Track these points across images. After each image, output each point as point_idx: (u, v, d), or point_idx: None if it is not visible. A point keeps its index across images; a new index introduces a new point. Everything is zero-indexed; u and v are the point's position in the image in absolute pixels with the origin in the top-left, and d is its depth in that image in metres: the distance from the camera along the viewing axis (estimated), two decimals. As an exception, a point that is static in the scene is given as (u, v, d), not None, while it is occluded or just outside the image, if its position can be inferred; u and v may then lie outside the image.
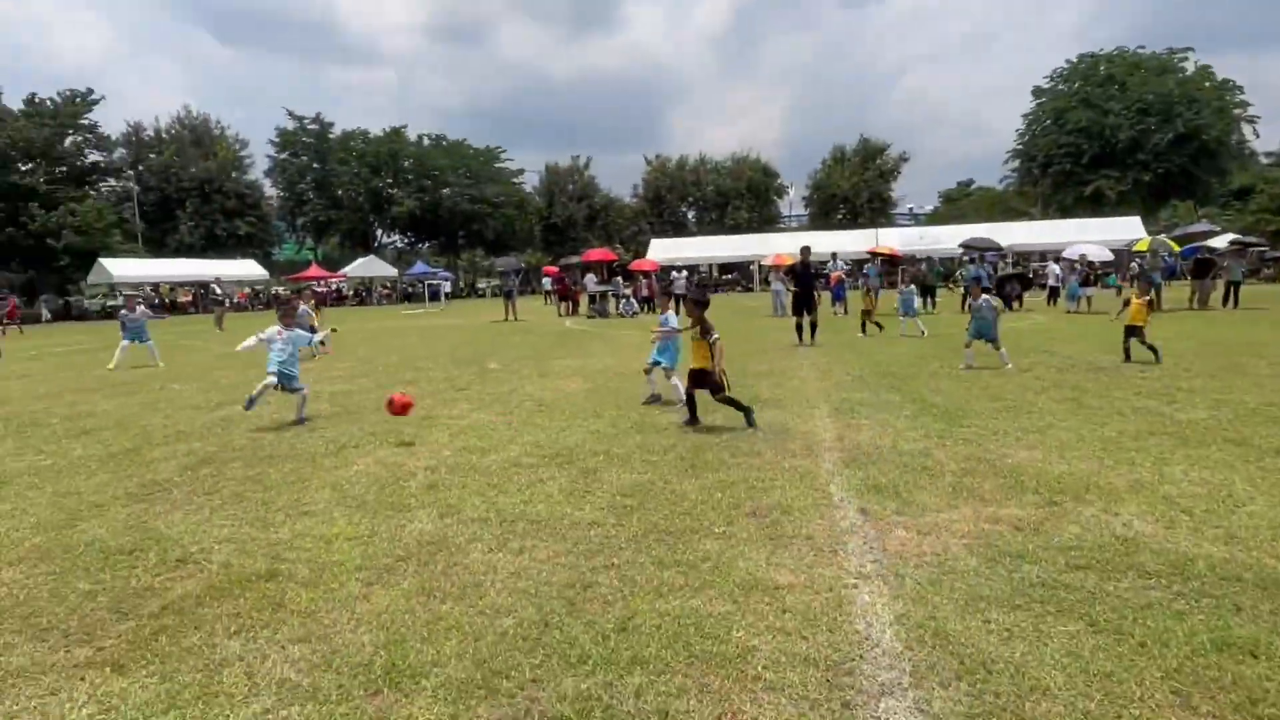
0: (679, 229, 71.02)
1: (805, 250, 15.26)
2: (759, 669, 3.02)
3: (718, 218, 72.94)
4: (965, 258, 31.17)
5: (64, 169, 48.44)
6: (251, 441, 7.58)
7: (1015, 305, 23.88)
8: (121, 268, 44.95)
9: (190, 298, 50.76)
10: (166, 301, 49.67)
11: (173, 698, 2.93)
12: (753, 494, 5.26)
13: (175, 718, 2.80)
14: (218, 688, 2.99)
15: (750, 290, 51.30)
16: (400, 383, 11.48)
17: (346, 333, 23.17)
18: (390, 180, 63.98)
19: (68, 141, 48.65)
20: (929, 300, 24.49)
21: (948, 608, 3.47)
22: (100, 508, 5.48)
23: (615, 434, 7.33)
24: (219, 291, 30.42)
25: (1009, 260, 36.54)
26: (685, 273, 28.59)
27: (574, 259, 55.88)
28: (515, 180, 68.58)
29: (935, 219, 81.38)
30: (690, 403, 7.65)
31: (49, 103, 47.47)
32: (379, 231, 68.68)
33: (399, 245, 73.81)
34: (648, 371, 9.06)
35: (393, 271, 59.85)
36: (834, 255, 28.71)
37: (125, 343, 15.68)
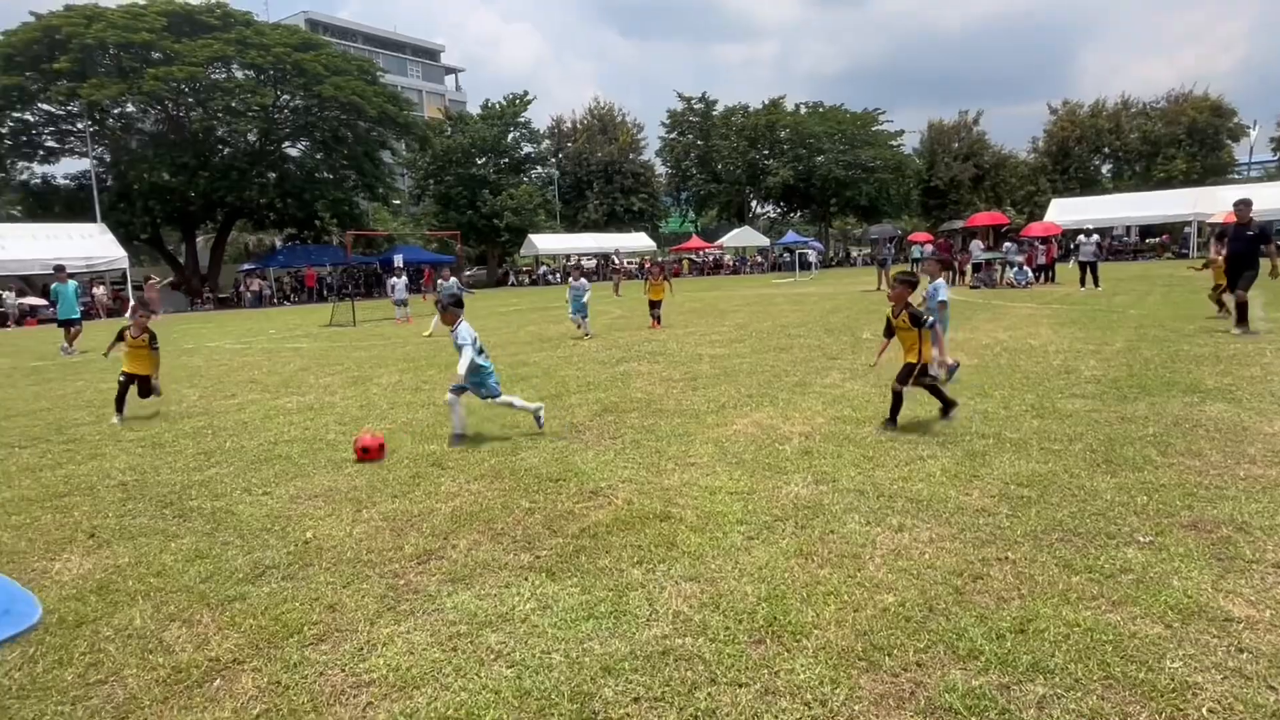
0: (1087, 186, 61.22)
1: (1243, 205, 11.60)
2: (1202, 711, 2.51)
3: (1141, 171, 61.20)
4: None
5: (505, 160, 59.01)
6: (645, 395, 8.47)
7: None
8: (544, 242, 53.59)
9: (594, 266, 58.48)
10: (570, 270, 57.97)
11: (591, 608, 3.42)
12: (1192, 503, 4.37)
13: (593, 625, 3.27)
14: (625, 607, 3.42)
15: (1184, 256, 42.25)
16: (774, 349, 11.84)
17: (720, 299, 24.57)
18: (766, 151, 65.67)
19: (509, 137, 59.00)
20: None
21: None
22: (535, 441, 6.60)
23: (1007, 416, 6.65)
24: (616, 261, 34.50)
25: None
26: (1095, 236, 24.53)
27: (956, 224, 51.69)
28: (893, 143, 65.36)
29: None
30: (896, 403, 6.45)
31: (496, 106, 57.98)
32: (753, 202, 71.18)
33: (771, 215, 75.68)
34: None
35: (764, 241, 61.70)
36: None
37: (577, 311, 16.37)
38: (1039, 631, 3.02)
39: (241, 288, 43.71)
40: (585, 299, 15.15)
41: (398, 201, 58.39)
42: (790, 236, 57.35)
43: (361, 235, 38.25)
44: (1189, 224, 43.43)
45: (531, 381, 9.83)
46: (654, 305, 16.50)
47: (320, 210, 46.39)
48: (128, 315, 8.95)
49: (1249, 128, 59.73)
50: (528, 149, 61.64)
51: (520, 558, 4.06)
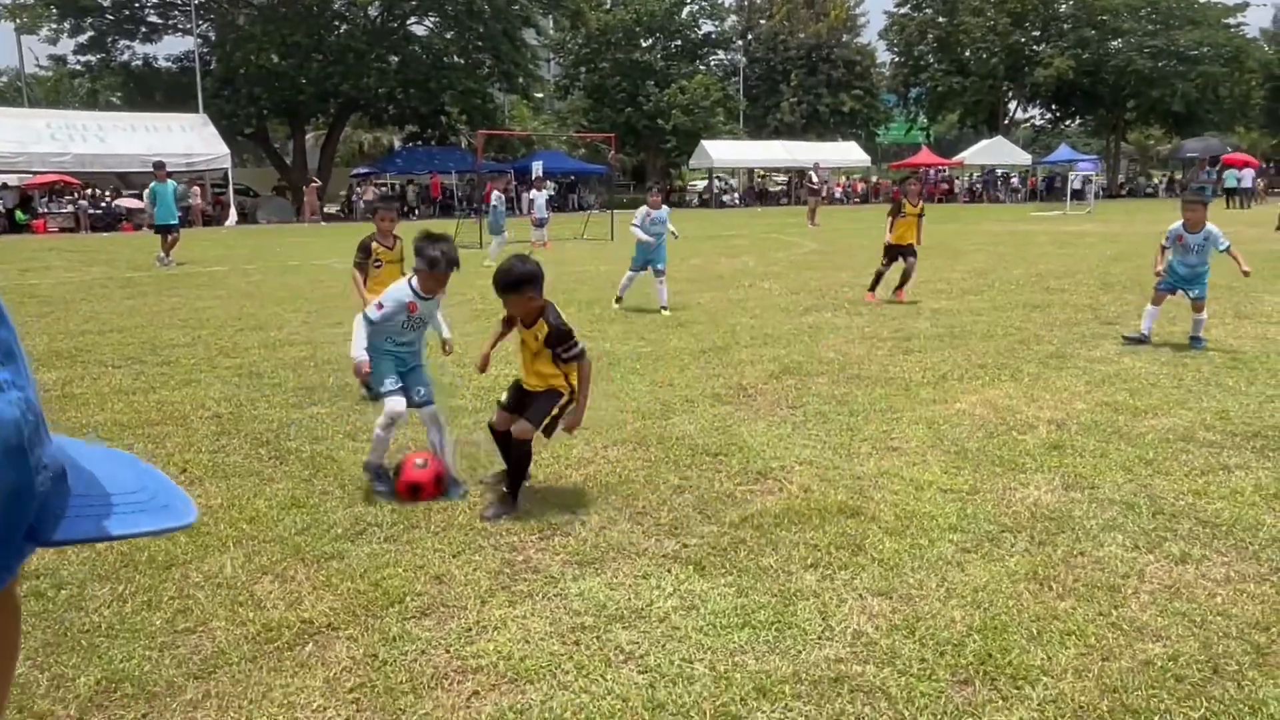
0: None
1: None
2: None
3: None
4: None
5: (678, 42, 59.13)
6: (839, 356, 8.39)
7: None
8: (721, 151, 53.37)
9: (784, 185, 57.73)
10: (757, 190, 57.44)
11: (748, 615, 3.51)
12: None
13: (749, 636, 3.36)
14: (791, 619, 3.48)
15: None
16: (1025, 305, 11.27)
17: (955, 235, 23.55)
18: (1037, 33, 61.39)
19: (684, 12, 58.94)
20: None
21: None
22: (690, 403, 6.75)
23: None
24: (815, 180, 33.71)
25: None
26: None
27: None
28: (1231, 21, 58.96)
29: None
30: None
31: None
32: (1012, 104, 67.04)
33: (1036, 123, 71.03)
34: None
35: (1025, 158, 58.13)
36: None
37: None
38: (1378, 719, 2.78)
39: (355, 196, 46.96)
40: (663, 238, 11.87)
41: (540, 94, 60.12)
42: (1062, 152, 53.61)
43: (495, 135, 39.88)
44: None
45: (693, 329, 9.98)
46: (898, 254, 12.04)
47: (448, 104, 48.65)
48: (377, 219, 7.69)
49: None
50: (708, 27, 61.35)
51: (664, 544, 4.21)
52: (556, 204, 47.05)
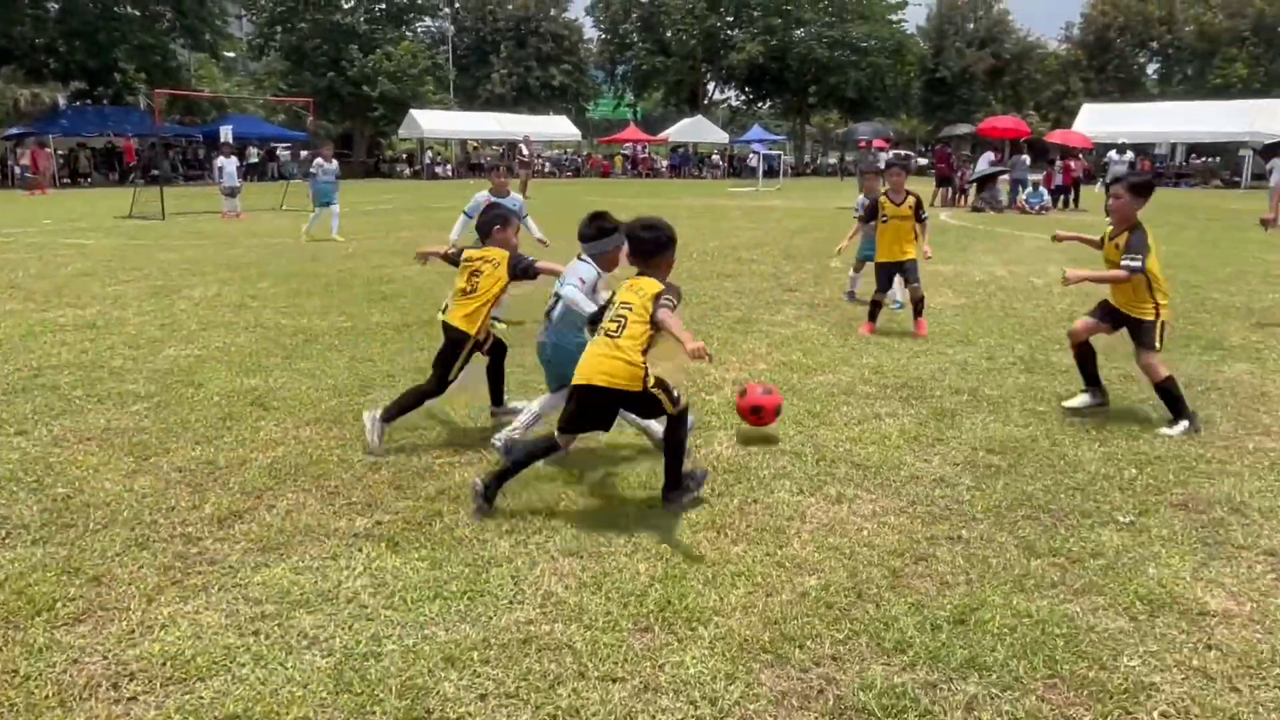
0: (1128, 89, 63.06)
1: None
2: (1154, 715, 2.76)
3: (1195, 74, 63.24)
4: None
5: (382, 6, 56.85)
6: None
7: None
8: (432, 121, 52.07)
9: (499, 156, 57.49)
10: (471, 162, 56.79)
11: (440, 586, 3.50)
12: (1187, 478, 4.71)
13: (440, 607, 3.34)
14: (484, 585, 3.50)
15: (1235, 186, 44.25)
16: (718, 275, 11.97)
17: (658, 209, 24.54)
18: (731, 18, 65.05)
19: (387, -27, 56.83)
20: None
21: None
22: (391, 378, 6.58)
23: (990, 369, 6.96)
24: (526, 152, 33.80)
25: None
26: (1129, 154, 25.38)
27: (962, 128, 52.60)
28: (894, 18, 65.56)
29: None
30: None
31: (371, -72, 55.63)
32: (710, 85, 70.71)
33: (733, 104, 75.33)
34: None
35: (723, 137, 61.60)
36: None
37: (320, 209, 16.48)
38: (982, 623, 3.24)
39: (10, 161, 41.18)
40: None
41: (232, 54, 55.67)
42: (755, 132, 57.40)
43: (178, 96, 36.47)
44: (1245, 145, 45.29)
45: (397, 302, 9.72)
46: (893, 274, 8.51)
47: (122, 59, 43.85)
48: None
49: (1326, 27, 62.19)
50: (413, -8, 59.45)
51: (355, 523, 4.09)
52: (256, 172, 44.00)
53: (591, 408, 4.16)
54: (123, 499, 4.31)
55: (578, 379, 4.12)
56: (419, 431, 5.35)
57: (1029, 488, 4.56)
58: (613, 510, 4.24)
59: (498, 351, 5.54)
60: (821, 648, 3.09)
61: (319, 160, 17.19)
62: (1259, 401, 6.14)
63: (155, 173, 28.62)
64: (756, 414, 5.15)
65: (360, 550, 3.82)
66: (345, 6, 54.13)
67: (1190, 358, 7.35)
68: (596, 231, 4.78)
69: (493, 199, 8.76)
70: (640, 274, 4.30)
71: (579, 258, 4.82)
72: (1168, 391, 5.50)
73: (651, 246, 4.34)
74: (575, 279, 4.67)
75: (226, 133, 26.74)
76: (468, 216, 8.56)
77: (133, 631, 3.16)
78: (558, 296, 4.75)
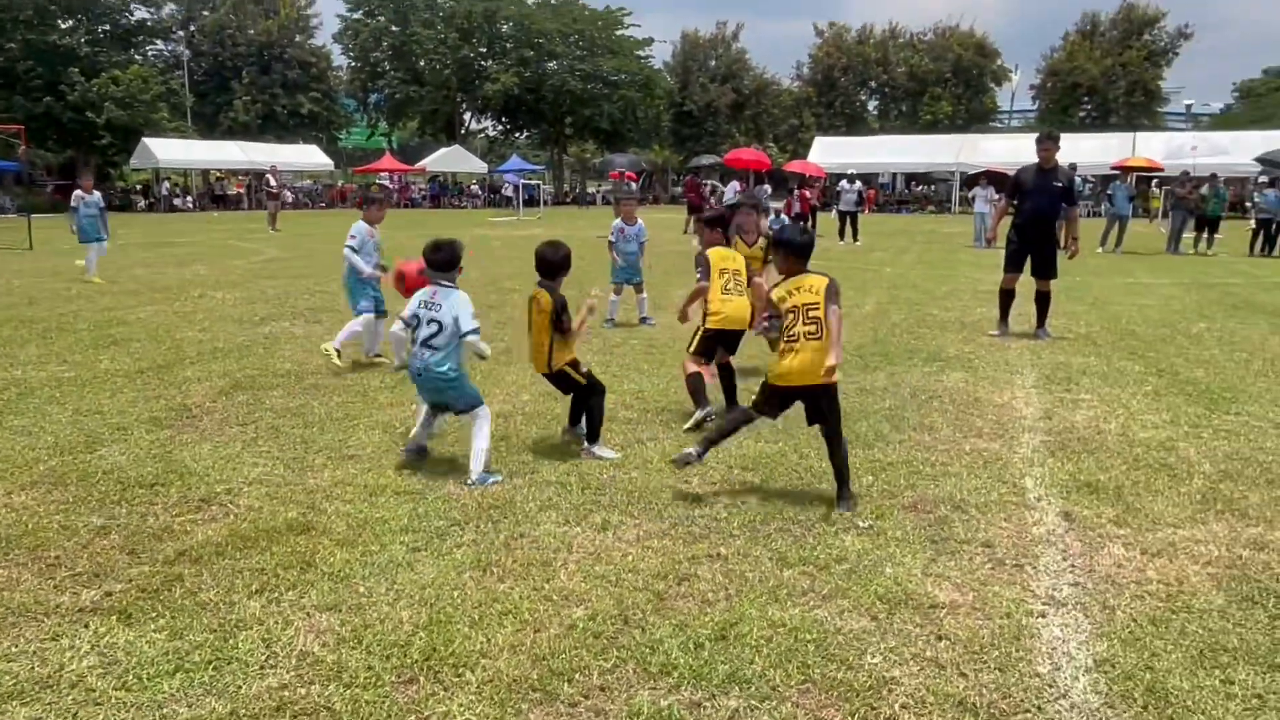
0: (854, 124, 68.81)
1: (1047, 141, 9.78)
2: (895, 707, 2.97)
3: (909, 111, 70.00)
4: (1263, 178, 28.51)
5: (107, 27, 52.33)
6: (297, 367, 8.07)
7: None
8: (168, 150, 48.33)
9: (242, 189, 54.15)
10: (213, 193, 53.31)
11: (181, 658, 3.20)
12: (916, 481, 5.13)
13: (182, 681, 3.06)
14: (232, 652, 3.24)
15: (946, 211, 49.23)
16: (482, 306, 11.83)
17: (416, 242, 24.06)
18: (484, 49, 65.11)
19: (109, -8, 52.40)
20: (1207, 237, 22.74)
21: (1173, 656, 3.28)
22: (123, 431, 6.01)
23: (742, 390, 7.28)
24: (274, 183, 32.04)
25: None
26: (857, 184, 27.58)
27: (707, 159, 55.30)
28: (641, 54, 68.11)
29: (1225, 122, 74.80)
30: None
31: (89, -55, 51.11)
32: (467, 115, 70.36)
33: (490, 134, 75.34)
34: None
35: (481, 167, 61.40)
36: (1072, 167, 26.73)
37: (95, 247, 14.90)
38: (741, 637, 3.37)
39: None
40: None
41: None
42: (514, 162, 57.60)
43: None
44: (953, 174, 50.56)
45: (130, 347, 8.92)
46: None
47: None
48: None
49: (1011, 71, 70.77)
50: (141, 13, 55.18)
51: (81, 597, 3.68)
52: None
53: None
54: None
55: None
56: (155, 489, 4.92)
57: (779, 501, 4.80)
58: (372, 558, 4.07)
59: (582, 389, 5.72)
60: (590, 679, 3.09)
61: (78, 193, 15.30)
62: (973, 407, 6.81)
63: None
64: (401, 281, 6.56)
65: (86, 626, 3.44)
66: (63, 26, 49.47)
67: (914, 369, 8.06)
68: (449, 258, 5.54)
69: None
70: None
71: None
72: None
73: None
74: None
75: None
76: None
77: None
78: (437, 323, 5.21)
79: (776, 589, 3.78)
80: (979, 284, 14.59)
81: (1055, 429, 6.26)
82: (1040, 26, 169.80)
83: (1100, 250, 21.91)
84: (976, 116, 69.14)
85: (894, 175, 56.60)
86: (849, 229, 25.26)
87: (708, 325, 6.29)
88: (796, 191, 26.96)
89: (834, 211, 28.39)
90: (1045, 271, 9.82)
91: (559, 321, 5.45)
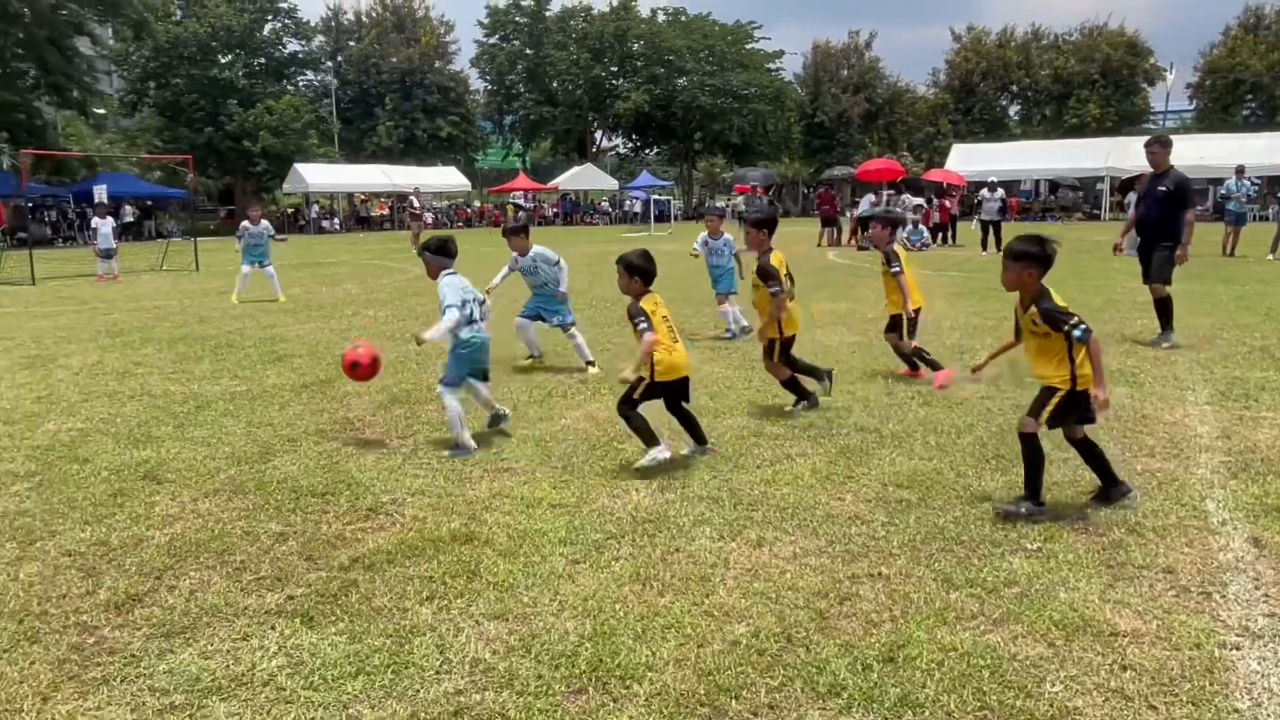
0: (994, 129, 66.55)
1: (1155, 145, 9.75)
2: (1082, 740, 2.84)
3: (1053, 114, 67.27)
4: None
5: (262, 60, 55.77)
6: (448, 381, 8.34)
7: None
8: (316, 174, 51.11)
9: (385, 210, 56.61)
10: (359, 215, 55.96)
11: (362, 661, 3.36)
12: (1084, 502, 4.90)
13: (364, 684, 3.21)
14: (408, 657, 3.38)
15: (1097, 218, 46.96)
16: (617, 321, 12.01)
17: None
18: (615, 68, 66.13)
19: (266, 29, 55.73)
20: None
21: (1392, 698, 3.02)
22: (293, 442, 6.36)
23: (891, 405, 7.14)
24: (417, 205, 33.37)
25: None
26: (1000, 191, 26.65)
27: (839, 170, 54.47)
28: (772, 66, 67.83)
29: None
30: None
31: (248, -16, 54.57)
32: (598, 133, 71.54)
33: (621, 151, 76.37)
34: None
35: (612, 184, 62.30)
36: (1239, 170, 25.07)
37: (246, 269, 15.78)
38: (910, 659, 3.29)
39: None
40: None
41: (102, 111, 53.67)
42: (644, 179, 58.24)
43: (44, 156, 34.91)
44: (1103, 179, 48.20)
45: (292, 363, 9.43)
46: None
47: (-18, 119, 41.76)
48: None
49: (1165, 70, 67.08)
50: (294, 47, 58.59)
51: (266, 599, 3.91)
52: (133, 232, 42.30)
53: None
54: (8, 589, 4.02)
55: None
56: (326, 498, 5.18)
57: (940, 520, 4.67)
58: (534, 569, 4.16)
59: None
60: (758, 697, 3.08)
61: (245, 223, 16.24)
62: (1141, 424, 6.46)
63: (23, 235, 27.24)
64: (354, 369, 6.46)
65: (273, 628, 3.65)
66: (223, 61, 52.98)
67: (1074, 385, 7.69)
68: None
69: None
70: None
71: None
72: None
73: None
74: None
75: (101, 192, 25.79)
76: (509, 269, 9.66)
77: (27, 735, 2.94)
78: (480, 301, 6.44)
79: (944, 611, 3.67)
80: (1136, 294, 13.80)
81: (1236, 449, 5.86)
82: (1196, 22, 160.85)
83: (1270, 258, 20.46)
84: (1127, 118, 65.77)
85: (1036, 182, 54.36)
86: (992, 238, 24.42)
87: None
88: (935, 201, 26.29)
89: (974, 221, 27.51)
90: (1154, 276, 9.75)
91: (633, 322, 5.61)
